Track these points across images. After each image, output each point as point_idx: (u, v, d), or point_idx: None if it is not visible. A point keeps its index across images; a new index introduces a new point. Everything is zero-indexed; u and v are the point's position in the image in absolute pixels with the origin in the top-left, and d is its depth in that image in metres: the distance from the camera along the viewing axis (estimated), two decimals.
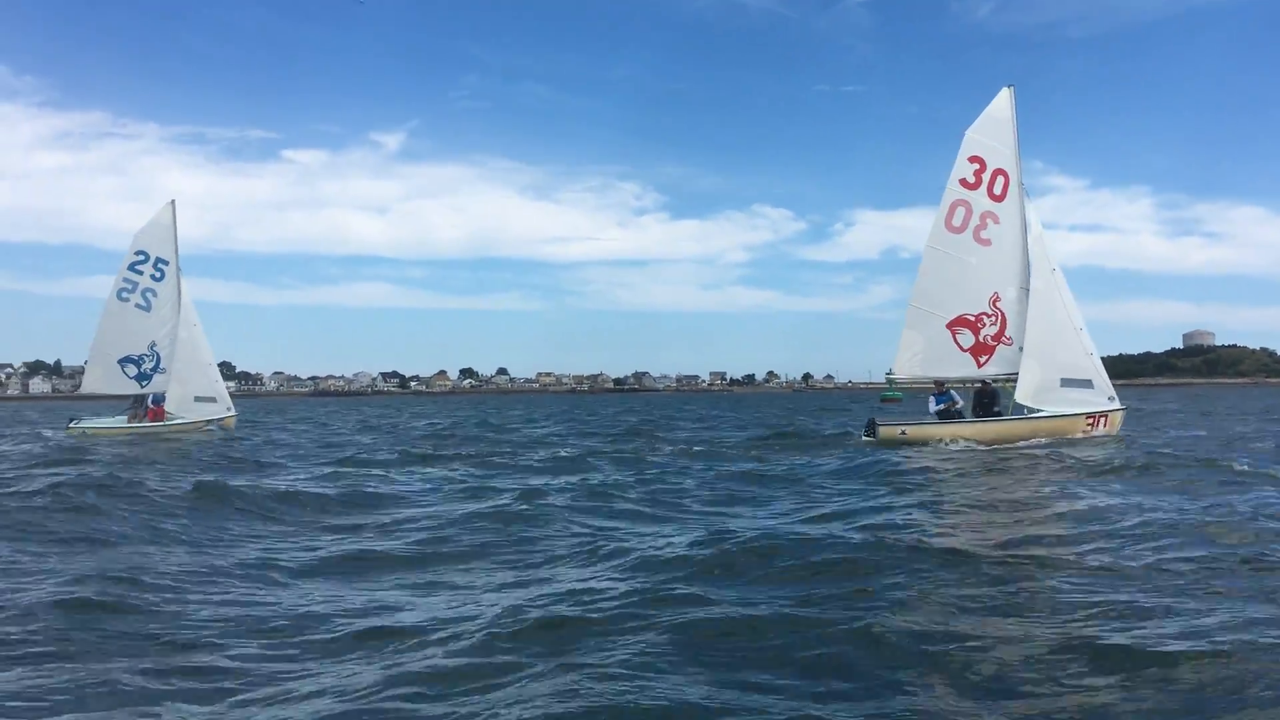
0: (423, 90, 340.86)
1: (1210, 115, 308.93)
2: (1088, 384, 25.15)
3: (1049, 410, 24.96)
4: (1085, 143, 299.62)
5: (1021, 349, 25.42)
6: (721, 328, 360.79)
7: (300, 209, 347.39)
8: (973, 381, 26.64)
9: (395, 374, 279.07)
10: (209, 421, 37.10)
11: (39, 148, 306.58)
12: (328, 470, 20.84)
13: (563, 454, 24.49)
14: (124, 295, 37.28)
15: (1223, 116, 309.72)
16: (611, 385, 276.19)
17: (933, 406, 26.50)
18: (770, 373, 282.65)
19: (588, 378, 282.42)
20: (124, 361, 37.20)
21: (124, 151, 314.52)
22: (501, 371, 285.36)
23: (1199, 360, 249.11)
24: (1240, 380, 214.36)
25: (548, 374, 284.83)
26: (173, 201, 38.45)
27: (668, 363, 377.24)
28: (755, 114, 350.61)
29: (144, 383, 37.26)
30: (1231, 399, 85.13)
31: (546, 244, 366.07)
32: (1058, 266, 25.76)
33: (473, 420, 54.30)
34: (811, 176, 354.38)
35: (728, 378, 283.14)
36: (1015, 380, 25.27)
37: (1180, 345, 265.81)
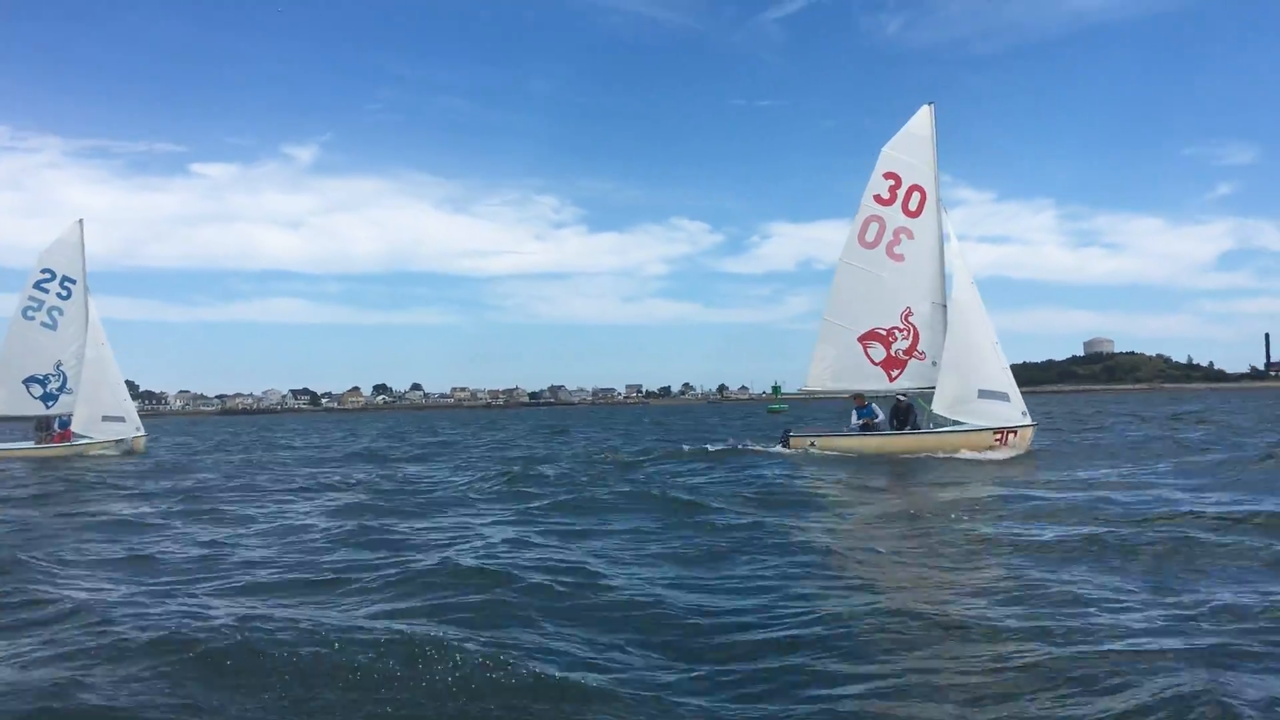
0: (337, 102, 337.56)
1: (1110, 130, 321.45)
2: (1004, 397, 24.99)
3: (961, 425, 24.83)
4: (992, 156, 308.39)
5: (935, 363, 25.58)
6: (641, 340, 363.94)
7: (211, 224, 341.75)
8: (891, 395, 26.78)
9: (306, 391, 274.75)
10: (118, 442, 36.38)
11: None
12: None
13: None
14: (29, 314, 36.46)
15: (1122, 131, 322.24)
16: (527, 399, 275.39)
17: (854, 420, 26.74)
18: (686, 384, 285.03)
19: (503, 392, 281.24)
20: (29, 381, 36.34)
21: (24, 166, 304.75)
22: (415, 387, 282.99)
23: (1099, 368, 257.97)
24: (1138, 386, 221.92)
25: (462, 389, 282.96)
26: (80, 220, 37.81)
27: (585, 376, 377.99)
28: (672, 128, 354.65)
29: (49, 403, 36.47)
30: (1132, 403, 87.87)
31: (465, 258, 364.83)
32: (973, 281, 25.82)
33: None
34: (728, 189, 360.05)
35: (644, 390, 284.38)
36: (930, 393, 25.29)
37: (1081, 353, 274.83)
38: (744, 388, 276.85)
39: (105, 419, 36.33)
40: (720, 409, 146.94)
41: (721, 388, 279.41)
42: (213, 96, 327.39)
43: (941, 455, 23.75)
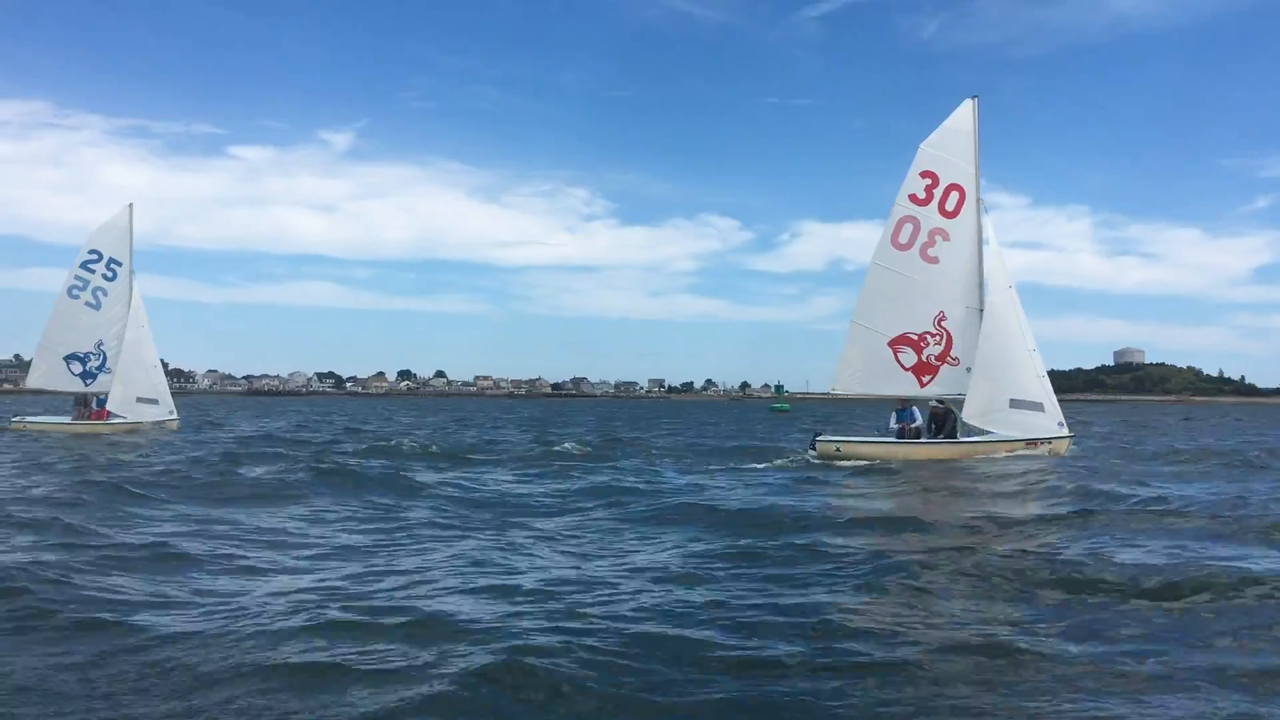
0: (373, 89, 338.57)
1: (1149, 138, 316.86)
2: (1038, 407, 24.13)
3: (990, 436, 24.12)
4: (1028, 161, 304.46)
5: (969, 369, 24.71)
6: (666, 335, 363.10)
7: (245, 206, 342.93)
8: (922, 401, 26.05)
9: (331, 374, 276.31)
10: (153, 424, 37.01)
11: None
12: None
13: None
14: (75, 292, 37.21)
15: (1161, 139, 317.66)
16: (549, 390, 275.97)
17: (892, 423, 26.06)
18: (709, 381, 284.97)
19: (525, 382, 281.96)
20: (70, 358, 37.13)
21: (65, 143, 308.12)
22: (440, 374, 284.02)
23: (1128, 378, 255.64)
24: (1165, 398, 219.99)
25: (485, 377, 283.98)
26: (130, 205, 38.47)
27: (609, 369, 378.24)
28: (705, 123, 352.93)
29: (88, 381, 37.19)
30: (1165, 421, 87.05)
31: (494, 247, 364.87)
32: (1012, 285, 24.90)
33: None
34: (759, 187, 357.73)
35: (666, 385, 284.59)
36: (963, 400, 24.59)
37: (1111, 362, 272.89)
38: (766, 385, 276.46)
39: (139, 400, 36.92)
40: (749, 406, 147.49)
41: (744, 385, 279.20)
42: (252, 81, 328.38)
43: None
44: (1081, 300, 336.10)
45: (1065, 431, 24.26)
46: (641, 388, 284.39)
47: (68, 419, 36.95)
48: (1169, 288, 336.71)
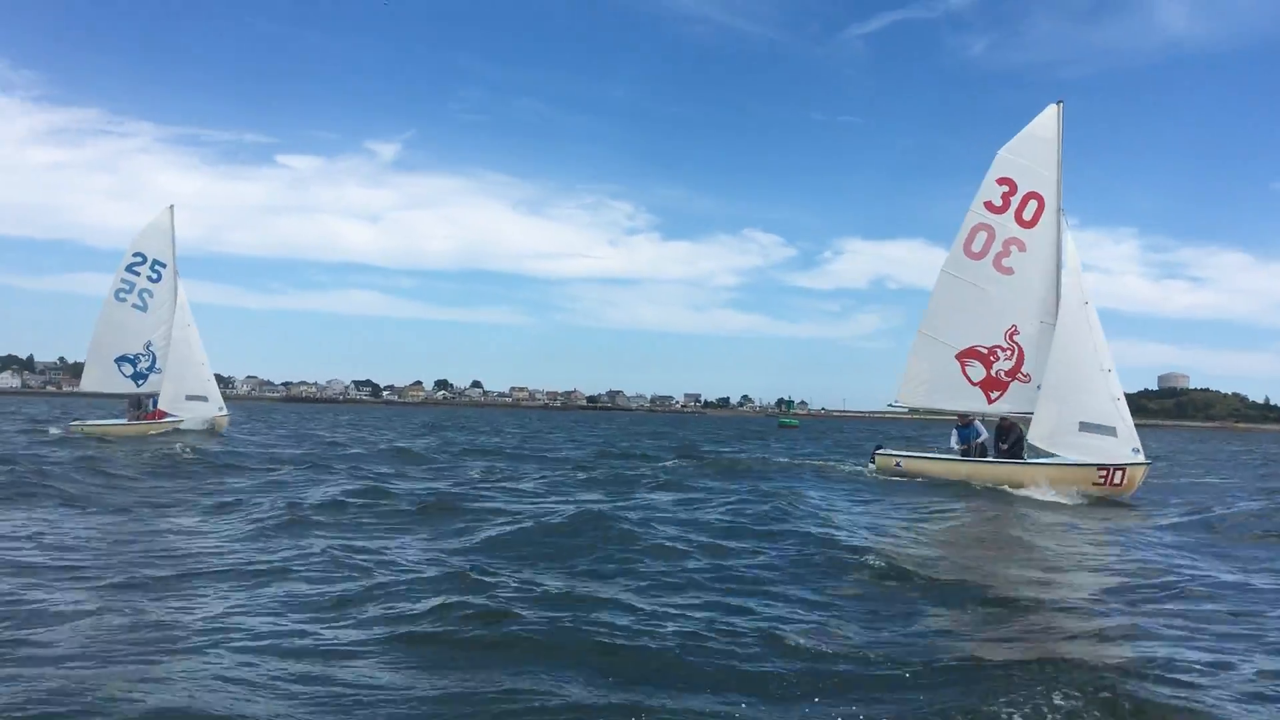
0: (421, 101, 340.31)
1: (1199, 161, 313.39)
2: (1110, 431, 22.36)
3: (1059, 458, 22.65)
4: (1075, 182, 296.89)
5: (1040, 387, 23.37)
6: (705, 350, 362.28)
7: (292, 214, 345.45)
8: (994, 417, 24.91)
9: (369, 382, 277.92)
10: (202, 420, 37.38)
11: (33, 142, 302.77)
12: None
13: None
14: (121, 296, 37.64)
15: (1211, 162, 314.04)
16: (585, 402, 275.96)
17: (954, 440, 25.15)
18: (745, 397, 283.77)
19: (561, 394, 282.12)
20: (120, 360, 37.63)
21: (118, 150, 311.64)
22: (475, 385, 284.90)
23: (1170, 403, 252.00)
24: (1207, 424, 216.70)
25: (521, 388, 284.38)
26: (171, 207, 38.90)
27: (646, 382, 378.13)
28: (750, 139, 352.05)
29: (139, 382, 37.61)
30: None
31: (537, 259, 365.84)
32: (1090, 301, 23.30)
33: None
34: (803, 203, 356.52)
35: (702, 399, 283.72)
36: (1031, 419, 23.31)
37: (1155, 387, 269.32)
38: (803, 402, 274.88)
39: (189, 398, 37.36)
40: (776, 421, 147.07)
41: (780, 401, 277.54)
42: (302, 91, 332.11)
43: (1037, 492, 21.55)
44: (1127, 323, 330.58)
45: (1141, 459, 22.19)
46: (677, 401, 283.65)
47: (122, 421, 37.14)
48: (1217, 312, 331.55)
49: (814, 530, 13.74)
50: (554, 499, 17.52)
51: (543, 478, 22.49)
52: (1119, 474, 21.80)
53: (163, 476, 20.57)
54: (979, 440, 24.69)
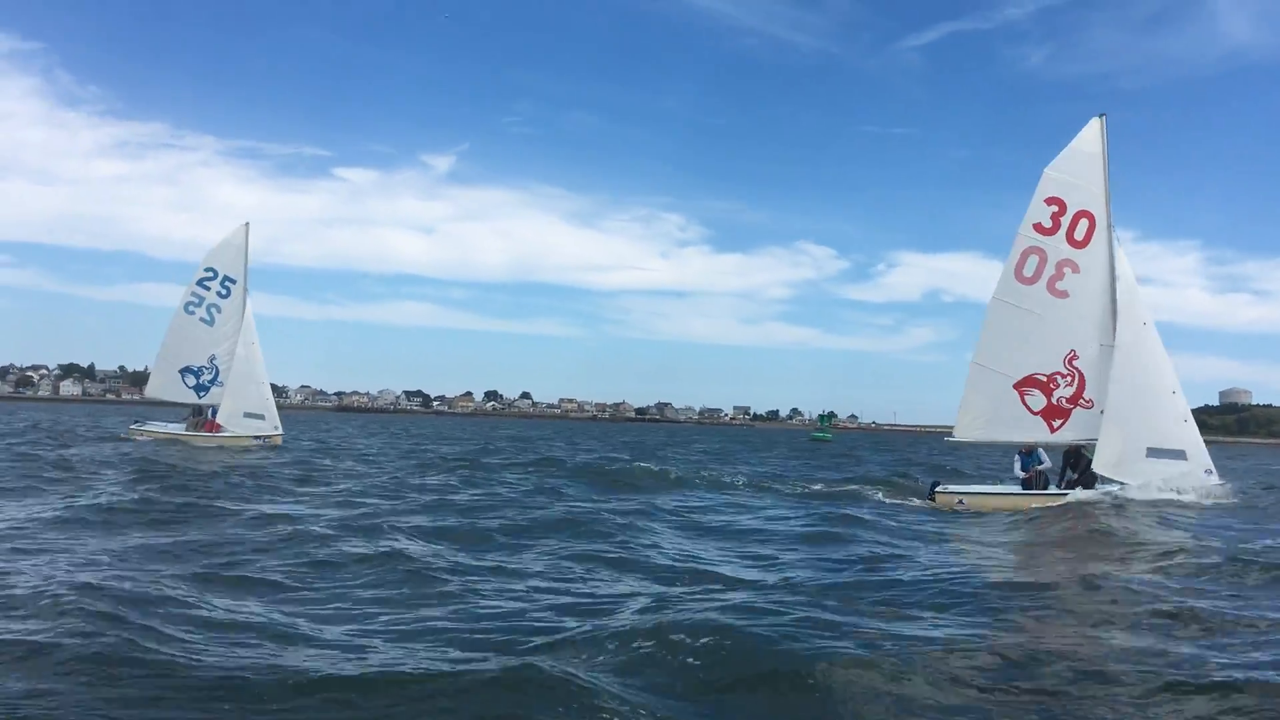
0: (475, 114, 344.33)
1: (1262, 172, 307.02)
2: (1179, 455, 21.74)
3: (1128, 488, 21.74)
4: (1135, 195, 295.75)
5: (1104, 412, 22.62)
6: (756, 363, 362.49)
7: (348, 226, 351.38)
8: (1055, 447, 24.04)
9: (419, 393, 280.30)
10: (257, 438, 37.97)
11: (98, 156, 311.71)
12: None
13: None
14: (190, 309, 38.60)
15: (1275, 173, 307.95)
16: (633, 414, 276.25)
17: (1017, 469, 24.10)
18: (794, 409, 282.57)
19: (610, 405, 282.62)
20: (184, 371, 38.55)
21: (180, 163, 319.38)
22: (525, 396, 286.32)
23: (1232, 419, 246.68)
24: (1270, 440, 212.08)
25: (570, 400, 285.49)
26: (246, 225, 39.66)
27: (695, 394, 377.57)
28: (802, 151, 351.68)
29: (201, 393, 38.53)
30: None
31: (588, 271, 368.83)
32: (1150, 320, 22.87)
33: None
34: (856, 216, 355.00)
35: (751, 412, 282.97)
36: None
37: (1216, 402, 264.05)
38: (853, 416, 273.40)
39: (247, 415, 38.15)
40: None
41: (830, 415, 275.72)
42: (359, 105, 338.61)
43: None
44: (1189, 337, 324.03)
45: (1215, 480, 21.74)
46: (726, 414, 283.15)
47: (181, 427, 38.00)
48: None
49: None
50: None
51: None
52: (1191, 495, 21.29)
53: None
54: (1041, 468, 23.89)
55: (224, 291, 38.63)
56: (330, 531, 14.42)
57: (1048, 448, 24.12)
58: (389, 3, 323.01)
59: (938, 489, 24.11)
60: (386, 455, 36.86)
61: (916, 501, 24.23)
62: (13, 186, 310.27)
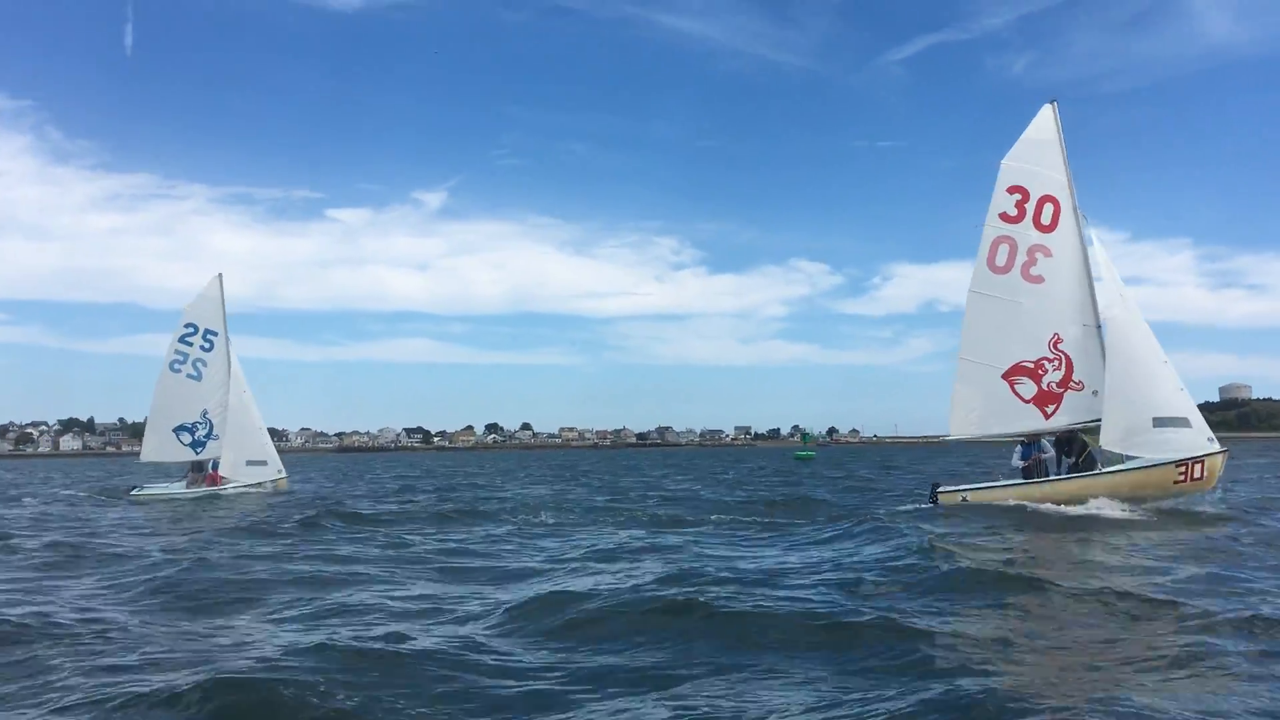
0: (465, 148, 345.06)
1: (1250, 167, 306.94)
2: (1184, 423, 21.53)
3: (1136, 461, 21.66)
4: (1125, 196, 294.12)
5: (1096, 392, 22.58)
6: (756, 382, 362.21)
7: (344, 267, 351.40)
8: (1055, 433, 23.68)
9: (420, 429, 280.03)
10: (261, 484, 38.03)
11: (91, 209, 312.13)
12: None
13: None
14: (176, 366, 38.68)
15: (1263, 168, 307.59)
16: (634, 440, 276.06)
17: (1016, 460, 23.92)
18: (795, 426, 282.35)
19: (610, 432, 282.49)
20: (179, 430, 38.50)
21: (173, 212, 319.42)
22: (525, 427, 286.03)
23: (1232, 414, 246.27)
24: (1272, 435, 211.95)
25: (570, 429, 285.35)
26: (219, 275, 39.81)
27: (696, 417, 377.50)
28: (792, 169, 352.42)
29: (198, 449, 38.49)
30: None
31: (585, 299, 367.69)
32: (1127, 293, 22.69)
33: None
34: (848, 230, 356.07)
35: (752, 432, 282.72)
36: (1097, 427, 22.34)
37: (1216, 398, 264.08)
38: (854, 431, 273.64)
39: (249, 463, 38.24)
40: (830, 452, 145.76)
41: (831, 430, 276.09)
42: (348, 145, 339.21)
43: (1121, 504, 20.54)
44: (1186, 335, 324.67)
45: (1217, 447, 21.50)
46: (728, 435, 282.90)
47: (181, 485, 37.94)
48: (1278, 320, 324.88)
49: None
50: None
51: None
52: (1199, 467, 21.06)
53: None
54: (1045, 455, 23.55)
55: (207, 345, 38.67)
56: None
57: (1048, 436, 23.82)
58: (373, 42, 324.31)
59: (940, 490, 24.08)
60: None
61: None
62: (9, 244, 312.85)
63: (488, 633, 10.23)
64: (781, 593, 11.93)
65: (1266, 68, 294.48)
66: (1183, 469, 21.13)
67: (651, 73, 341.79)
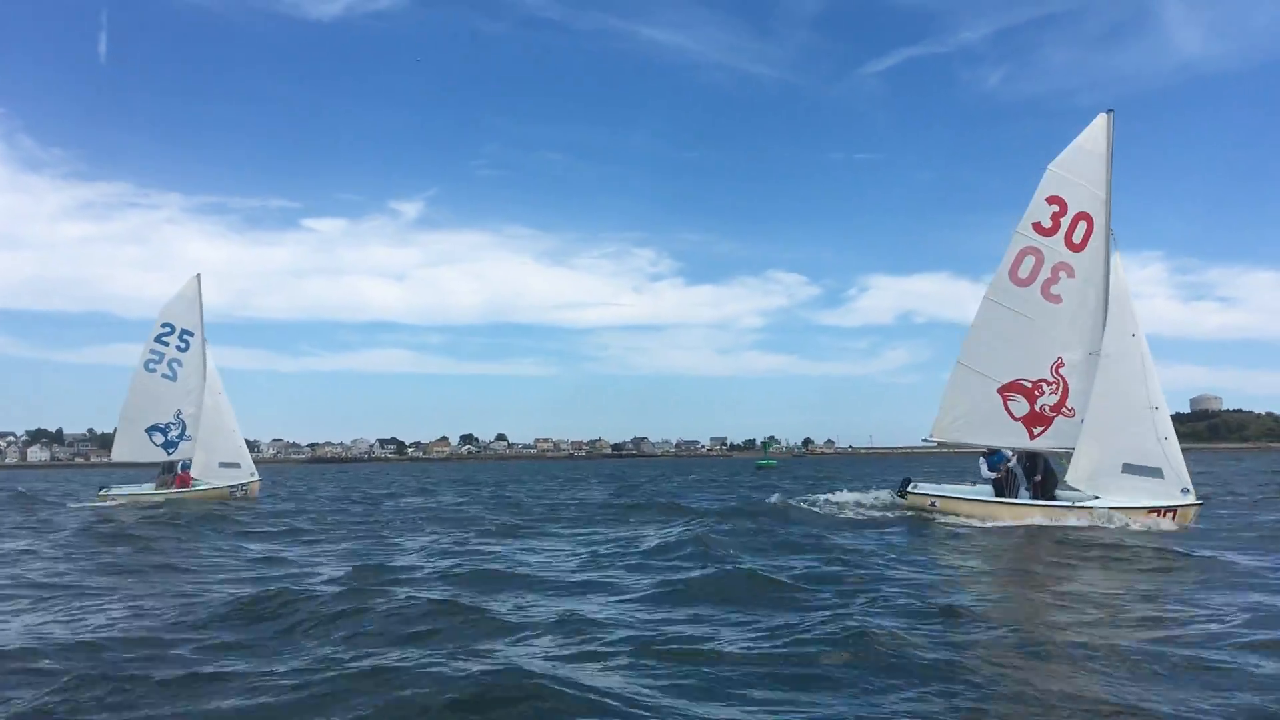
0: (442, 159, 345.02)
1: (1222, 181, 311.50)
2: (1156, 473, 20.92)
3: (1110, 499, 21.00)
4: None
5: (1084, 421, 21.81)
6: (733, 393, 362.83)
7: (320, 276, 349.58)
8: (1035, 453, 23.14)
9: (393, 440, 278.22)
10: (234, 487, 37.28)
11: (64, 218, 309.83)
12: None
13: None
14: (151, 366, 37.86)
15: (1235, 182, 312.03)
16: (610, 451, 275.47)
17: (984, 470, 23.54)
18: (771, 437, 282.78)
19: (586, 443, 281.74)
20: (151, 430, 37.69)
21: (147, 221, 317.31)
22: (500, 438, 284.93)
23: (1202, 425, 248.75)
24: (1242, 445, 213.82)
25: (545, 439, 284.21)
26: (198, 276, 39.05)
27: (672, 428, 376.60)
28: (770, 181, 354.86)
29: (170, 450, 37.74)
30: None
31: (562, 310, 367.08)
32: (1139, 332, 21.77)
33: None
34: (825, 242, 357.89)
35: (728, 443, 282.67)
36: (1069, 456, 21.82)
37: (1187, 410, 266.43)
38: (830, 441, 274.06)
39: (222, 465, 37.49)
40: (804, 463, 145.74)
41: (807, 441, 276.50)
42: (324, 155, 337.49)
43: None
44: (1159, 347, 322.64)
45: (1192, 499, 20.89)
46: (703, 446, 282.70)
47: (151, 487, 37.16)
48: (1250, 332, 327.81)
49: None
50: None
51: None
52: (1170, 515, 20.56)
53: None
54: (1010, 464, 23.14)
55: (183, 345, 37.92)
56: None
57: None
58: (350, 52, 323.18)
59: (911, 490, 23.62)
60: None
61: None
62: None
63: None
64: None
65: (1237, 82, 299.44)
66: (1154, 514, 20.62)
67: (630, 84, 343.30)
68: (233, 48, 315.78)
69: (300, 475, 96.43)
